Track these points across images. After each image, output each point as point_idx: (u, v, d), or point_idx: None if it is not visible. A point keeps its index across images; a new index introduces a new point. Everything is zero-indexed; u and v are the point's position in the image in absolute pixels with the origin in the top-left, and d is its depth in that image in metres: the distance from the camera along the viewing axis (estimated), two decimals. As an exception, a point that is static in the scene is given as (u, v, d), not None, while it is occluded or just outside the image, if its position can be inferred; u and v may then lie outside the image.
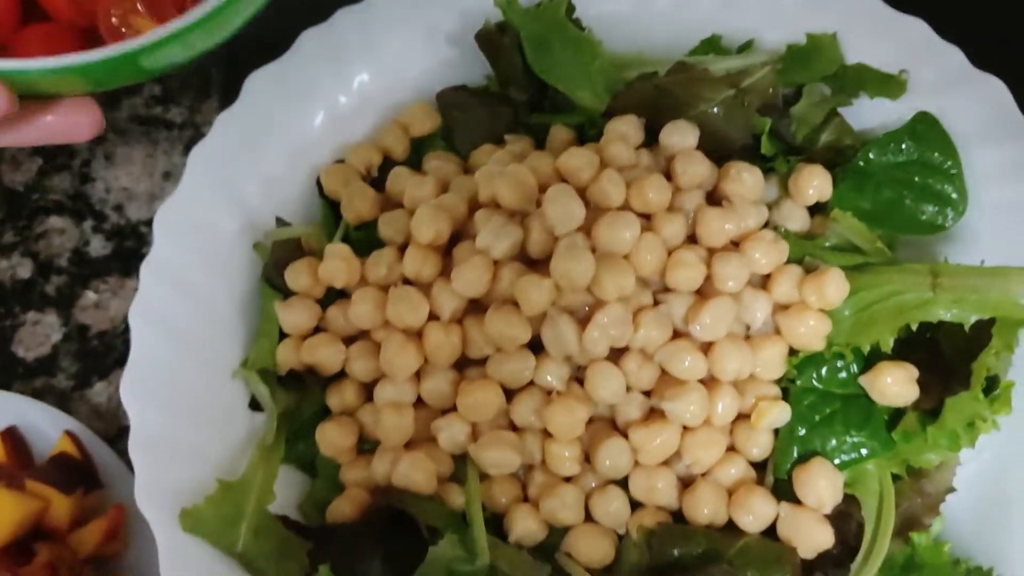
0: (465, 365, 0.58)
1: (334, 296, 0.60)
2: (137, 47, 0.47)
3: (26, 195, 0.75)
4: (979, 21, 0.66)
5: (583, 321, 0.55)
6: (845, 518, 0.55)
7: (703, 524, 0.55)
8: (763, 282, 0.58)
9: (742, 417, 0.57)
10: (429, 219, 0.57)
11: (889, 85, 0.64)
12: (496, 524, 0.56)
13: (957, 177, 0.61)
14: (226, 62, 0.78)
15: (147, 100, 0.78)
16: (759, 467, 0.57)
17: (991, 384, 0.55)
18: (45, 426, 0.66)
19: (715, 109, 0.61)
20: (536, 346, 0.56)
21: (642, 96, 0.62)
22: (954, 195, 0.61)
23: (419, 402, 0.58)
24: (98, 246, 0.74)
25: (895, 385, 0.55)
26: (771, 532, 0.55)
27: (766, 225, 0.60)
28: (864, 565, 0.53)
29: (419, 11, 0.67)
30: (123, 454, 0.54)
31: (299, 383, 0.58)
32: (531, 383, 0.56)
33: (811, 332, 0.56)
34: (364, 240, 0.61)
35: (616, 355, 0.56)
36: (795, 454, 0.56)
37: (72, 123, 0.52)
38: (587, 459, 0.56)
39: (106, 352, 0.72)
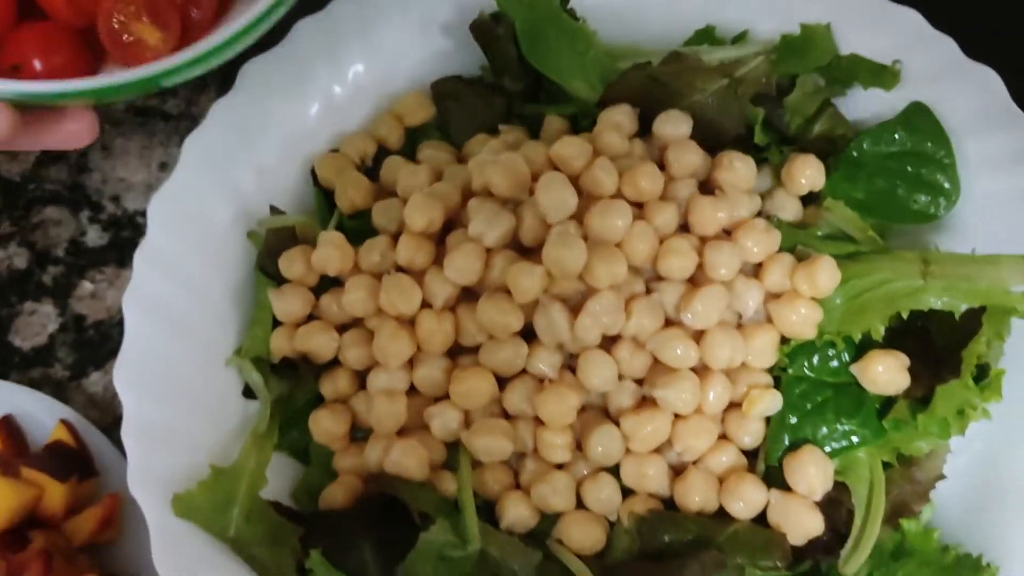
0: (458, 353, 0.58)
1: (328, 284, 0.61)
2: (161, 70, 0.48)
3: (23, 185, 0.75)
4: (972, 11, 0.66)
5: (575, 309, 0.55)
6: (835, 505, 0.55)
7: (694, 511, 0.55)
8: (755, 271, 0.58)
9: (734, 405, 0.57)
10: (422, 207, 0.57)
11: (882, 75, 0.64)
12: (488, 511, 0.56)
13: (950, 167, 0.62)
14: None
15: (144, 91, 0.78)
16: (750, 455, 0.58)
17: (982, 372, 0.55)
18: (41, 415, 0.67)
19: (709, 99, 0.62)
20: (528, 334, 0.56)
21: (636, 86, 0.62)
22: (947, 185, 0.61)
23: (412, 390, 0.58)
24: (95, 236, 0.75)
25: (886, 373, 0.56)
26: (762, 519, 0.56)
27: (759, 214, 0.60)
28: (854, 551, 0.54)
29: (414, 1, 0.67)
30: (118, 443, 0.54)
31: (292, 371, 0.59)
32: (523, 371, 0.57)
33: (802, 320, 0.56)
34: (358, 229, 0.61)
35: (608, 343, 0.56)
36: (786, 442, 0.56)
37: (69, 131, 0.52)
38: (579, 447, 0.56)
39: (102, 342, 0.72)
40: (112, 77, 0.48)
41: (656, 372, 0.56)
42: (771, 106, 0.63)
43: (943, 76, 0.62)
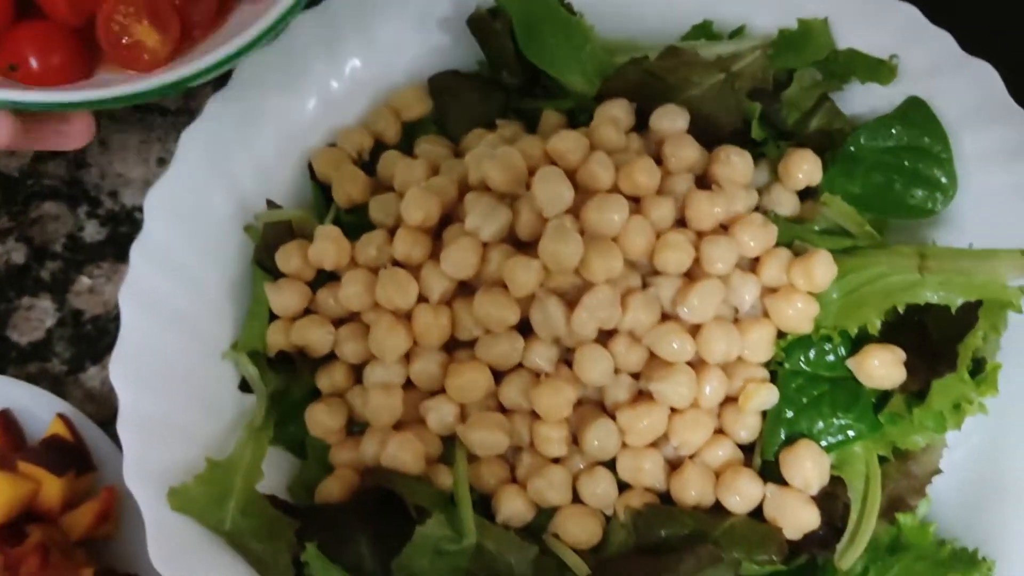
0: (454, 347, 0.58)
1: (324, 278, 0.61)
2: (180, 78, 0.49)
3: (21, 180, 0.75)
4: (969, 6, 0.66)
5: (571, 303, 0.55)
6: (831, 499, 0.55)
7: (690, 505, 0.56)
8: (752, 265, 0.58)
9: (730, 400, 0.57)
10: (419, 201, 0.57)
11: (880, 70, 0.64)
12: (484, 505, 0.56)
13: (947, 162, 0.61)
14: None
15: (142, 86, 0.78)
16: (747, 449, 0.58)
17: (978, 367, 0.55)
18: (38, 410, 0.67)
19: (705, 93, 0.62)
20: (525, 328, 0.57)
21: (632, 80, 0.62)
22: (944, 179, 0.61)
23: (408, 384, 0.58)
24: (92, 232, 0.75)
25: (882, 368, 0.56)
26: (758, 513, 0.56)
27: (756, 209, 0.60)
28: (850, 545, 0.54)
29: (411, -4, 0.67)
30: (116, 437, 0.54)
31: (289, 365, 0.59)
32: (520, 365, 0.57)
33: (799, 315, 0.56)
34: (355, 223, 0.61)
35: (604, 337, 0.56)
36: (782, 436, 0.56)
37: (67, 132, 0.53)
38: (575, 441, 0.56)
39: (100, 337, 0.72)
40: (117, 89, 0.49)
41: (652, 366, 0.56)
42: (768, 101, 0.63)
43: (940, 71, 0.62)
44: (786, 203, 0.61)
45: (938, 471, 0.56)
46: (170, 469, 0.54)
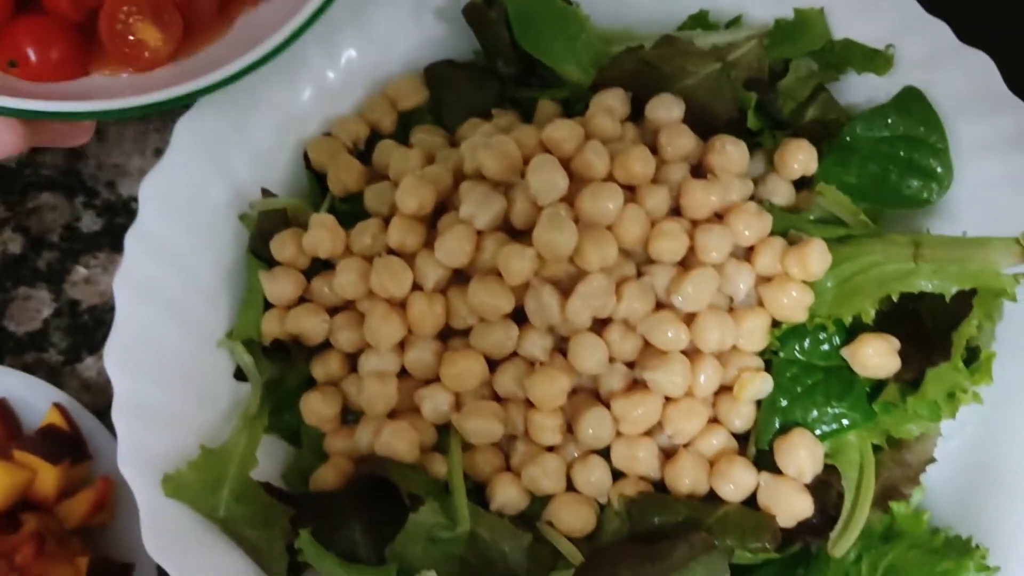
0: (449, 335, 0.58)
1: (319, 267, 0.61)
2: (200, 87, 0.49)
3: (18, 171, 0.75)
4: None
5: (566, 292, 0.55)
6: (825, 488, 0.55)
7: (684, 494, 0.55)
8: (746, 254, 0.58)
9: (724, 389, 0.57)
10: (413, 189, 0.57)
11: (876, 60, 0.63)
12: (478, 493, 0.56)
13: (943, 152, 0.61)
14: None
15: (139, 77, 0.78)
16: (741, 438, 0.58)
17: (973, 355, 0.55)
18: (34, 399, 0.67)
19: (701, 83, 0.62)
20: (519, 317, 0.57)
21: (628, 69, 0.62)
22: (939, 169, 0.61)
23: (403, 373, 0.58)
24: (89, 222, 0.75)
25: (876, 357, 0.56)
26: (752, 502, 0.56)
27: (751, 199, 0.60)
28: (843, 533, 0.54)
29: (407, -15, 0.67)
30: (112, 427, 0.54)
31: (284, 353, 0.59)
32: (514, 353, 0.57)
33: (793, 303, 0.56)
34: (350, 212, 0.61)
35: (599, 326, 0.56)
36: (777, 425, 0.56)
37: (69, 130, 0.53)
38: (569, 429, 0.56)
39: (96, 327, 0.72)
40: (133, 99, 0.49)
41: (647, 355, 0.56)
42: (764, 90, 0.63)
43: (936, 61, 0.62)
44: (781, 193, 0.61)
45: (932, 460, 0.56)
46: (164, 456, 0.54)
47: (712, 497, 0.56)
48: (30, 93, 0.51)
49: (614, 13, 0.66)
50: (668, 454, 0.57)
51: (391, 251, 0.58)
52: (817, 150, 0.61)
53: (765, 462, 0.56)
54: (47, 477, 0.63)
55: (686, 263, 0.57)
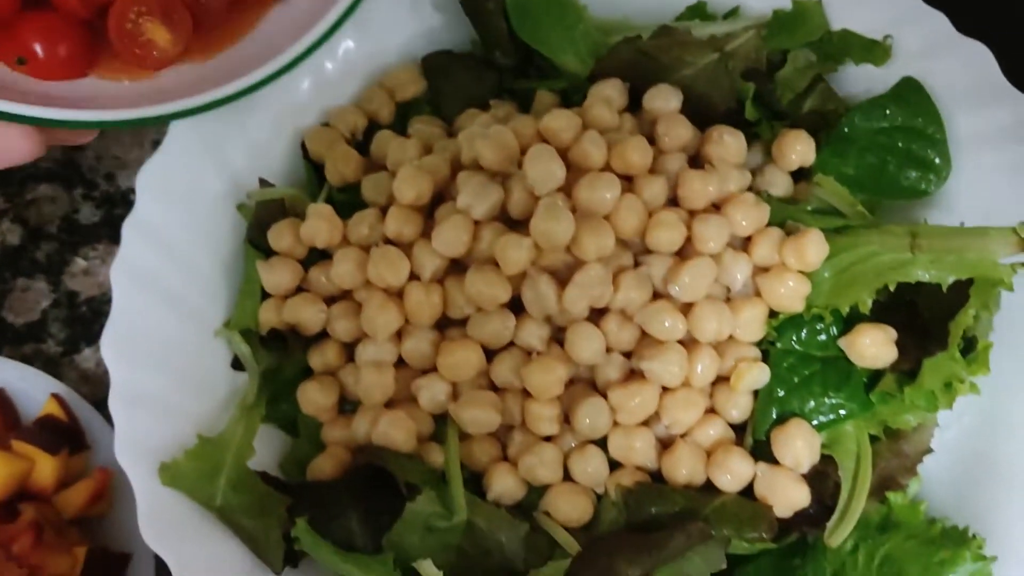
0: (446, 325, 0.58)
1: (316, 257, 0.61)
2: (221, 96, 0.50)
3: (16, 162, 0.75)
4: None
5: (563, 282, 0.55)
6: (822, 478, 0.55)
7: (681, 484, 0.55)
8: (744, 245, 0.58)
9: (722, 379, 0.57)
10: (411, 179, 0.57)
11: (874, 51, 0.64)
12: (475, 483, 0.56)
13: (941, 143, 0.61)
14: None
15: (138, 69, 0.78)
16: (738, 428, 0.57)
17: (970, 345, 0.55)
18: (33, 390, 0.67)
19: (699, 73, 0.62)
20: (516, 307, 0.57)
21: (626, 60, 0.62)
22: (937, 160, 0.61)
23: (400, 362, 0.58)
24: (88, 214, 0.75)
25: (873, 347, 0.56)
26: (749, 492, 0.56)
27: (749, 190, 0.60)
28: (839, 524, 0.54)
29: (405, -24, 0.67)
30: (110, 418, 0.54)
31: (281, 343, 0.59)
32: (511, 343, 0.57)
33: (791, 293, 0.56)
34: (347, 202, 0.61)
35: (596, 316, 0.56)
36: (774, 415, 0.56)
37: (77, 131, 0.53)
38: (566, 419, 0.56)
39: (95, 318, 0.72)
40: (157, 108, 0.50)
41: (644, 345, 0.56)
42: (762, 81, 0.63)
43: (935, 51, 0.62)
44: (779, 184, 0.61)
45: (929, 451, 0.56)
46: (161, 445, 0.54)
47: (709, 487, 0.56)
48: (51, 101, 0.51)
49: (612, 3, 0.66)
50: (665, 444, 0.57)
51: (388, 241, 0.58)
52: (815, 141, 0.61)
53: (762, 452, 0.56)
54: (45, 467, 0.63)
55: (683, 253, 0.57)
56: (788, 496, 0.54)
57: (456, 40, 0.67)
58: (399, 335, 0.58)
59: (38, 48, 0.52)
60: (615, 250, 0.56)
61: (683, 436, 0.57)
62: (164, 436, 0.54)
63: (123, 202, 0.75)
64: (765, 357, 0.57)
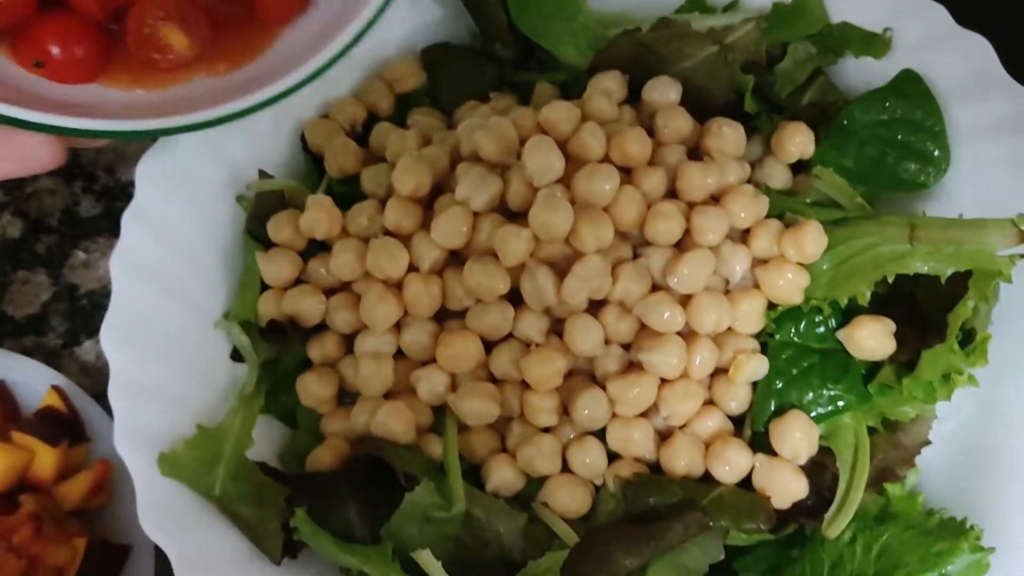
0: (445, 317, 0.58)
1: (316, 248, 0.61)
2: (252, 104, 0.50)
3: (17, 155, 0.75)
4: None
5: (562, 273, 0.55)
6: (820, 469, 0.55)
7: (680, 475, 0.56)
8: (743, 237, 0.58)
9: (720, 371, 0.57)
10: (410, 170, 0.57)
11: (873, 44, 0.64)
12: (474, 474, 0.56)
13: (940, 135, 0.61)
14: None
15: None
16: (737, 420, 0.58)
17: (968, 337, 0.55)
18: (33, 382, 0.67)
19: (698, 65, 0.62)
20: (515, 298, 0.57)
21: (625, 52, 0.62)
22: (936, 153, 0.61)
23: (399, 354, 0.58)
24: (88, 206, 0.75)
25: (872, 339, 0.56)
26: (747, 483, 0.56)
27: (748, 182, 0.60)
28: (837, 515, 0.54)
29: (405, -31, 0.67)
30: (110, 410, 0.54)
31: (280, 334, 0.59)
32: (510, 335, 0.57)
33: (789, 285, 0.56)
34: (347, 194, 0.61)
35: (595, 307, 0.57)
36: (772, 407, 0.56)
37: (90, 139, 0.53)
38: (565, 411, 0.57)
39: (95, 311, 0.72)
40: (182, 118, 0.50)
41: (643, 336, 0.56)
42: (762, 74, 0.63)
43: (934, 44, 0.62)
44: (778, 176, 0.61)
45: (927, 442, 0.56)
46: (161, 436, 0.54)
47: (707, 479, 0.56)
48: (70, 109, 0.51)
49: (612, -4, 0.66)
50: (664, 436, 0.57)
51: (388, 232, 0.58)
52: (814, 133, 0.61)
53: (760, 444, 0.56)
54: (45, 458, 0.63)
55: (682, 245, 0.57)
56: (786, 487, 0.54)
57: (456, 32, 0.67)
58: (398, 326, 0.58)
59: (55, 50, 0.53)
60: (614, 242, 0.56)
61: (682, 427, 0.57)
62: (163, 426, 0.54)
63: (123, 195, 0.75)
64: (764, 349, 0.57)
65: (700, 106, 0.61)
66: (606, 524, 0.55)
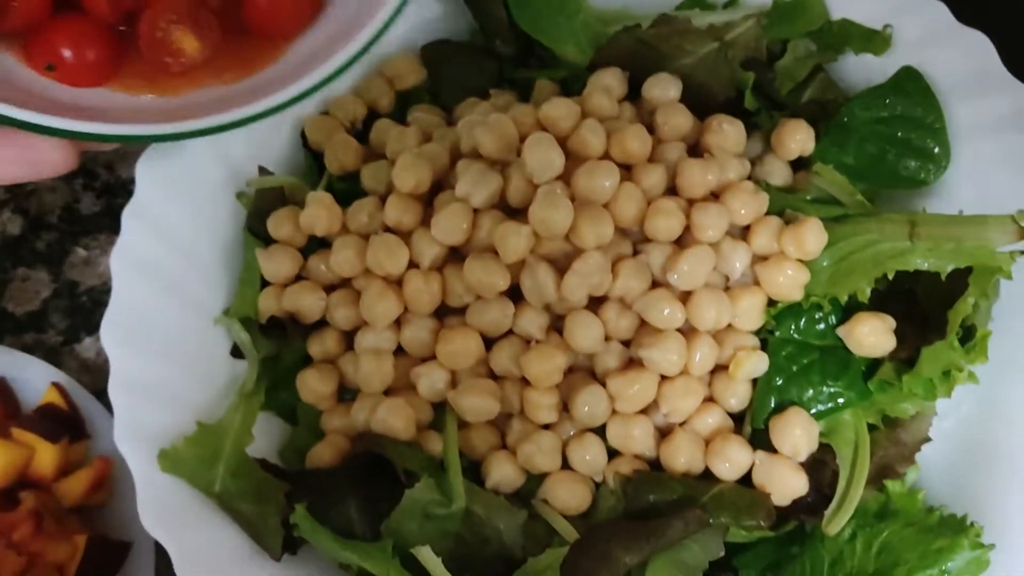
0: (445, 313, 0.58)
1: (316, 245, 0.61)
2: (254, 113, 0.50)
3: (17, 152, 0.75)
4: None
5: (562, 270, 0.55)
6: (820, 466, 0.55)
7: (680, 472, 0.55)
8: (743, 234, 0.58)
9: (720, 367, 0.57)
10: (410, 167, 0.57)
11: (874, 41, 0.63)
12: (474, 472, 0.56)
13: (940, 132, 0.61)
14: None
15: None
16: (737, 417, 0.57)
17: (968, 334, 0.55)
18: (33, 379, 0.67)
19: (698, 62, 0.62)
20: (515, 295, 0.57)
21: (625, 49, 0.62)
22: (936, 150, 0.61)
23: (399, 350, 0.58)
24: (88, 203, 0.75)
25: (872, 335, 0.56)
26: (747, 480, 0.56)
27: (748, 179, 0.60)
28: (837, 512, 0.54)
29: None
30: (111, 407, 0.54)
31: (280, 331, 0.59)
32: (510, 332, 0.57)
33: (789, 282, 0.56)
34: (347, 190, 0.61)
35: (595, 304, 0.56)
36: (772, 404, 0.56)
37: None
38: (565, 408, 0.56)
39: (95, 308, 0.72)
40: (198, 122, 0.50)
41: (642, 333, 0.56)
42: (762, 71, 0.63)
43: (934, 41, 0.62)
44: (778, 173, 0.61)
45: (927, 439, 0.56)
46: (161, 432, 0.54)
47: (707, 475, 0.56)
48: (82, 113, 0.51)
49: (612, -8, 0.66)
50: (663, 433, 0.57)
51: (388, 229, 0.58)
52: (815, 130, 0.61)
53: (760, 441, 0.56)
54: (45, 455, 0.63)
55: (682, 242, 0.57)
56: (786, 484, 0.54)
57: (456, 29, 0.67)
58: (398, 323, 0.58)
59: (67, 53, 0.53)
60: (614, 238, 0.56)
61: (682, 424, 0.57)
62: (163, 423, 0.54)
63: (123, 192, 0.75)
64: (764, 346, 0.57)
65: (700, 103, 0.61)
66: (606, 521, 0.54)
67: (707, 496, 0.54)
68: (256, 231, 0.61)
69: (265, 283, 0.60)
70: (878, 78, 0.63)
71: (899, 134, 0.61)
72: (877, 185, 0.61)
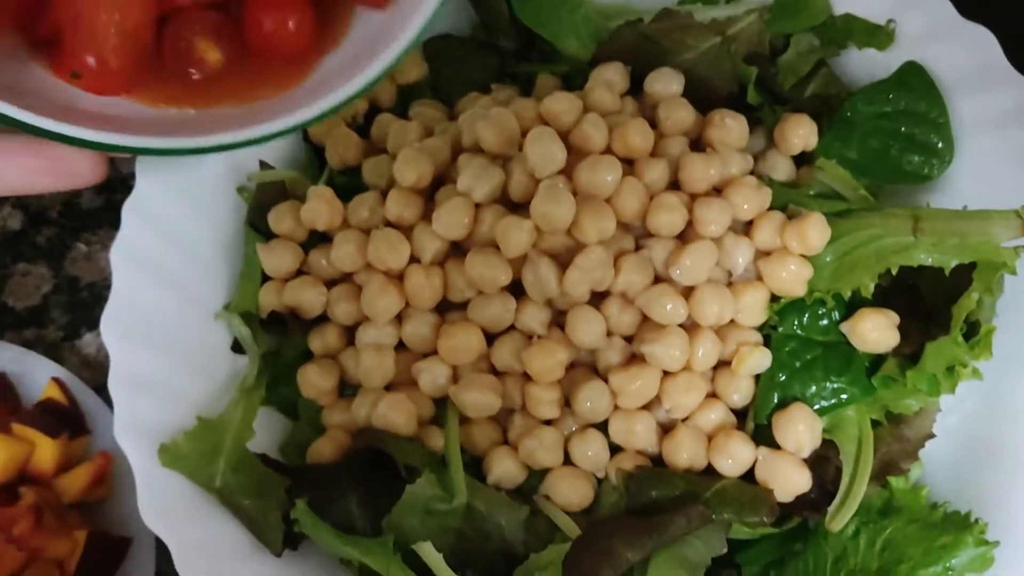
0: (446, 308, 0.58)
1: (317, 240, 0.60)
2: (276, 130, 0.49)
3: (17, 147, 0.75)
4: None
5: (564, 265, 0.55)
6: (823, 462, 0.55)
7: (682, 468, 0.55)
8: (745, 229, 0.58)
9: (723, 363, 0.57)
10: (412, 161, 0.57)
11: (877, 35, 0.63)
12: (475, 467, 0.56)
13: (944, 127, 0.61)
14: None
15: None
16: (739, 413, 0.57)
17: (972, 329, 0.55)
18: (34, 374, 0.67)
19: (701, 57, 0.61)
20: (517, 290, 0.56)
21: (627, 43, 0.62)
22: (940, 145, 0.61)
23: (400, 346, 0.58)
24: (89, 199, 0.75)
25: (875, 331, 0.55)
26: (750, 476, 0.55)
27: (751, 174, 0.60)
28: (840, 508, 0.54)
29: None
30: (111, 403, 0.54)
31: (281, 326, 0.58)
32: (512, 327, 0.57)
33: (792, 277, 0.56)
34: (348, 185, 0.61)
35: (597, 299, 0.56)
36: (775, 400, 0.56)
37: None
38: (567, 403, 0.56)
39: (95, 303, 0.72)
40: (221, 136, 0.49)
41: (645, 328, 0.56)
42: (764, 65, 0.62)
43: (938, 36, 0.62)
44: (781, 168, 0.61)
45: (931, 435, 0.56)
46: (161, 427, 0.54)
47: (710, 472, 0.56)
48: (107, 123, 0.50)
49: (614, -13, 0.66)
50: (666, 428, 0.56)
51: (389, 224, 0.58)
52: (818, 125, 0.61)
53: (763, 437, 0.56)
54: (45, 450, 0.63)
55: (685, 237, 0.57)
56: (789, 480, 0.54)
57: (457, 24, 0.67)
58: (399, 318, 0.57)
59: (91, 60, 0.52)
60: (616, 233, 0.56)
61: (684, 420, 0.56)
62: (164, 418, 0.54)
63: (124, 187, 0.74)
64: (767, 341, 0.57)
65: (702, 97, 0.61)
66: (608, 517, 0.54)
67: (710, 492, 0.54)
68: (257, 225, 0.61)
69: (266, 278, 0.60)
70: (881, 73, 0.63)
71: (902, 129, 0.61)
72: (880, 180, 0.61)
